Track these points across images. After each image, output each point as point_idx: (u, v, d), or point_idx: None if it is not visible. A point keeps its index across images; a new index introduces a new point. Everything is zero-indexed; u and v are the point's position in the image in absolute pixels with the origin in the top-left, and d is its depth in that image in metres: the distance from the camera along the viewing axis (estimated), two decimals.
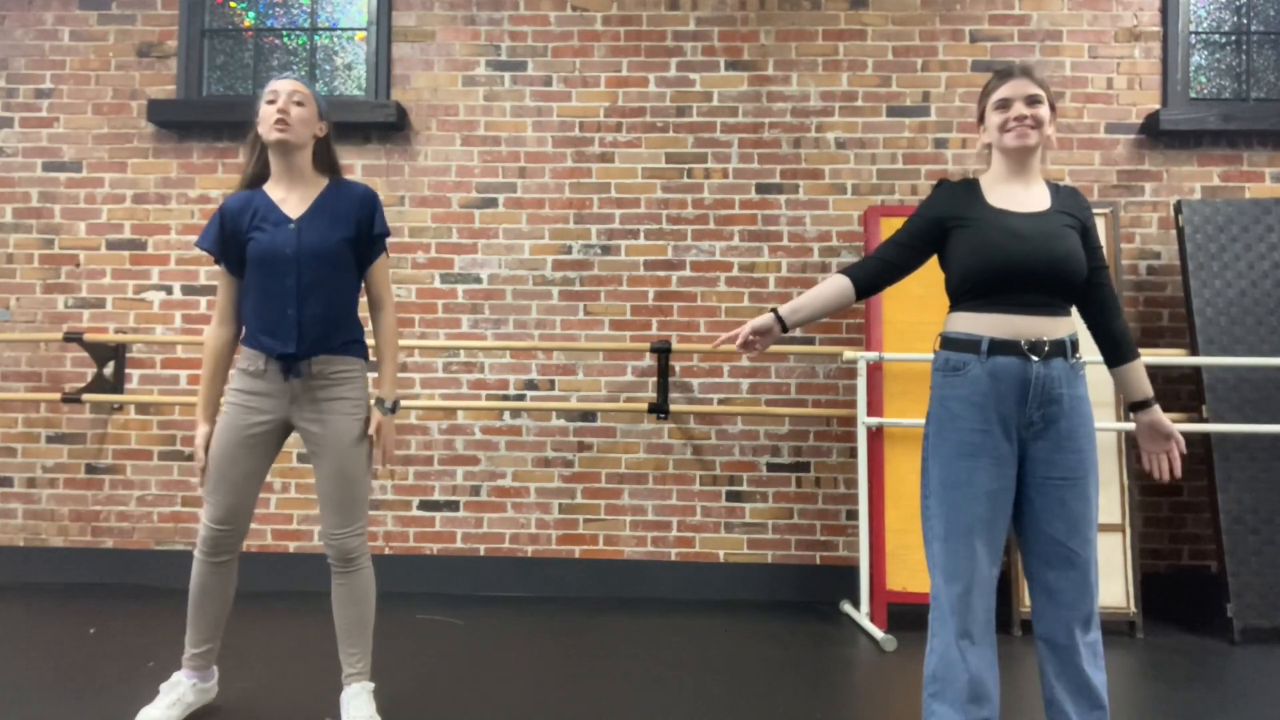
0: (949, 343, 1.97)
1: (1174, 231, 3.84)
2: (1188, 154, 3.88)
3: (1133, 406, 2.04)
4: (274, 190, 2.34)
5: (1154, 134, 3.85)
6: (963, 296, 1.97)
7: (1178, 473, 2.00)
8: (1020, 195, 1.99)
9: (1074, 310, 2.06)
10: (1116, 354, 2.02)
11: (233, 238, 2.31)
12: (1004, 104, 1.97)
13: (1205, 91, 3.98)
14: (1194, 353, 3.49)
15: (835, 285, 2.03)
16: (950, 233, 2.00)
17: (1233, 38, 3.97)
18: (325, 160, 2.40)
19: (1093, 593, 1.91)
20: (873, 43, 3.94)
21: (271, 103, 2.28)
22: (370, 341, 2.44)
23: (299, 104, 2.29)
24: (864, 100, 3.93)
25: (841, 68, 3.94)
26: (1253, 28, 3.96)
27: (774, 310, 2.03)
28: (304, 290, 2.27)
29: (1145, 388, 2.02)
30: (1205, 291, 3.53)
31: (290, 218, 2.30)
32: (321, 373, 2.29)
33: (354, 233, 2.33)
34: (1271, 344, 3.47)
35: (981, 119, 2.05)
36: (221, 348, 2.36)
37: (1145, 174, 3.88)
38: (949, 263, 2.00)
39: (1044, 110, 1.96)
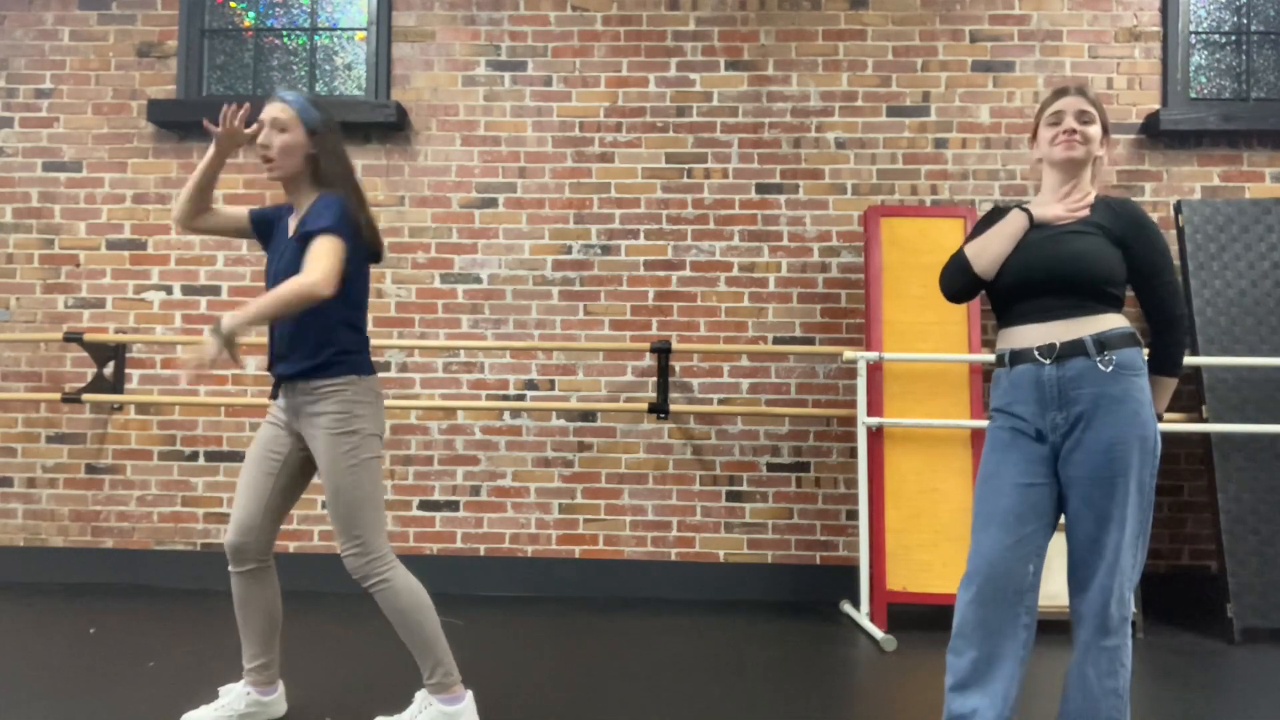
0: (997, 360, 2.06)
1: (1174, 231, 3.84)
2: (1188, 154, 3.88)
3: None
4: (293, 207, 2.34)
5: (1154, 134, 3.85)
6: (997, 315, 2.07)
7: None
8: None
9: (1117, 309, 1.99)
10: (1151, 364, 2.04)
11: (265, 225, 2.36)
12: (1056, 118, 2.00)
13: (1205, 91, 3.98)
14: (1194, 353, 3.49)
15: (1020, 223, 2.01)
16: None
17: (1233, 38, 3.97)
18: (321, 174, 2.26)
19: (1115, 595, 1.87)
20: (873, 43, 3.94)
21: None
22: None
23: (281, 130, 2.19)
24: (864, 100, 3.93)
25: (841, 68, 3.94)
26: (1253, 28, 3.96)
27: (1023, 209, 2.00)
28: None
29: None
30: (1205, 291, 3.53)
31: (288, 237, 2.28)
32: (305, 389, 2.21)
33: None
34: (1271, 344, 3.47)
35: (1035, 135, 2.08)
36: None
37: (1145, 174, 3.88)
38: None
39: (1095, 129, 1.99)
